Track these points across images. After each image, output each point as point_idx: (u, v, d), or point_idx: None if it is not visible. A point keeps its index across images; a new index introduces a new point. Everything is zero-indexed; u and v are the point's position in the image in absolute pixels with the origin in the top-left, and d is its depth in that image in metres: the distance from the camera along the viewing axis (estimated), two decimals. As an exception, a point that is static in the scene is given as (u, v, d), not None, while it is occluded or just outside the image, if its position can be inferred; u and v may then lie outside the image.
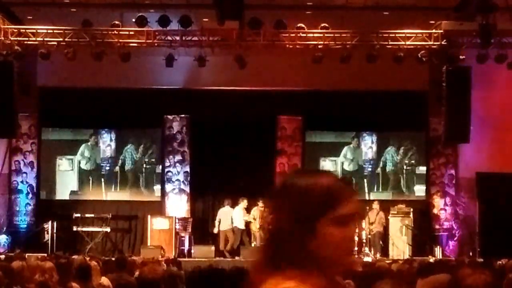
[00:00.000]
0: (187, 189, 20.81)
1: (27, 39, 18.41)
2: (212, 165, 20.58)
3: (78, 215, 20.12)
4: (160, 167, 21.12)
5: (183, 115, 21.02)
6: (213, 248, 18.86)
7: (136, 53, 18.57)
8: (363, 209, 19.43)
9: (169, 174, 20.91)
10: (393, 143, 21.29)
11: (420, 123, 20.73)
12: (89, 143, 21.24)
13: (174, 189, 20.82)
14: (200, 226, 20.57)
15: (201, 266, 17.44)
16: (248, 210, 19.69)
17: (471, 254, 18.83)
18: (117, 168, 21.20)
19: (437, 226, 20.45)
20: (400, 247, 19.39)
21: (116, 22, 18.24)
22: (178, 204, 20.64)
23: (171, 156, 20.98)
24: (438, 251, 19.22)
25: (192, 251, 19.04)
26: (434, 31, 18.31)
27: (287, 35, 18.31)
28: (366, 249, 18.82)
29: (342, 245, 1.99)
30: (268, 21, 17.86)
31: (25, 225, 20.50)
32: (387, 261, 13.33)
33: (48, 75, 20.31)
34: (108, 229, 20.13)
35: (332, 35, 18.27)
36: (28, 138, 20.79)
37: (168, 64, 18.66)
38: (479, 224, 19.95)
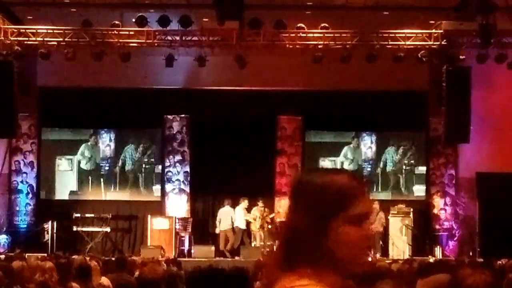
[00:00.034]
0: (187, 189, 20.82)
1: (27, 39, 18.41)
2: (212, 165, 20.58)
3: (78, 215, 20.13)
4: (159, 167, 21.14)
5: (183, 115, 21.02)
6: (213, 248, 18.87)
7: (136, 53, 18.57)
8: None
9: (169, 174, 20.92)
10: (393, 143, 21.30)
11: (420, 123, 20.73)
12: (89, 143, 21.25)
13: (174, 189, 20.83)
14: (200, 226, 20.58)
15: (201, 266, 17.43)
16: (248, 210, 19.72)
17: (471, 254, 18.82)
18: (117, 168, 21.21)
19: (437, 226, 20.45)
20: (400, 247, 19.40)
21: (116, 22, 18.24)
22: (178, 204, 20.65)
23: (171, 156, 20.99)
24: (438, 251, 19.22)
25: (192, 251, 19.05)
26: (434, 31, 18.31)
27: (287, 35, 18.31)
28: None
29: (357, 244, 1.98)
30: (268, 21, 17.86)
31: (25, 225, 20.51)
32: (387, 261, 13.32)
33: (48, 75, 20.31)
34: (108, 229, 20.13)
35: (332, 35, 18.27)
36: (28, 138, 20.79)
37: (168, 64, 18.66)
38: (479, 224, 19.95)
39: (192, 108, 20.79)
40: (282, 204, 20.59)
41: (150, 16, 17.90)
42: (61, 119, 20.94)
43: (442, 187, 20.73)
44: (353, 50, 18.31)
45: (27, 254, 14.45)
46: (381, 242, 19.31)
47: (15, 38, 18.38)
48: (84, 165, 21.19)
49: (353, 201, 1.99)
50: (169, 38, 18.31)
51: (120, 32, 18.28)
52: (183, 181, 20.87)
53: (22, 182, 20.72)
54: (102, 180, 21.12)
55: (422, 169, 21.04)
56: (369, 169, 21.16)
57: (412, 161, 21.16)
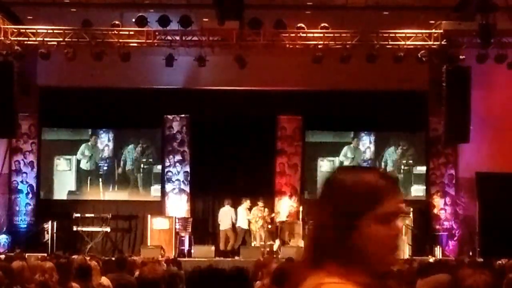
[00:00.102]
0: (187, 189, 20.83)
1: (27, 39, 18.41)
2: (212, 165, 20.59)
3: (78, 215, 20.14)
4: (158, 167, 21.16)
5: (183, 115, 21.03)
6: (213, 248, 18.87)
7: (136, 53, 18.57)
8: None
9: (169, 174, 20.93)
10: (393, 143, 21.30)
11: (420, 123, 20.74)
12: (89, 143, 21.26)
13: (174, 189, 20.83)
14: (200, 226, 20.59)
15: (201, 266, 17.55)
16: (250, 210, 19.75)
17: (471, 254, 18.82)
18: (115, 168, 21.22)
19: (437, 226, 20.46)
20: (400, 247, 19.37)
21: (116, 22, 18.24)
22: (178, 204, 20.65)
23: (171, 156, 20.99)
24: (438, 251, 19.22)
25: (192, 251, 19.04)
26: (434, 31, 18.31)
27: (287, 35, 18.31)
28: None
29: (385, 243, 1.98)
30: (268, 21, 17.87)
31: (25, 225, 20.52)
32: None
33: (48, 75, 20.32)
34: (108, 229, 20.14)
35: (332, 35, 18.27)
36: (28, 138, 20.80)
37: (168, 64, 18.66)
38: (479, 224, 19.95)
39: (192, 108, 20.80)
40: (281, 204, 20.62)
41: (150, 16, 17.89)
42: (61, 119, 20.96)
43: (442, 187, 20.74)
44: (353, 50, 18.31)
45: (27, 254, 14.44)
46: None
47: (15, 38, 18.38)
48: (84, 165, 21.20)
49: (382, 199, 1.98)
50: (169, 38, 18.31)
51: (120, 32, 18.28)
52: (183, 181, 20.88)
53: (22, 182, 20.73)
54: (100, 180, 21.12)
55: (420, 169, 21.05)
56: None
57: (411, 161, 21.16)
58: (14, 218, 20.52)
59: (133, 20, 17.93)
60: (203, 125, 20.82)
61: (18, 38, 18.40)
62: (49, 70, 20.01)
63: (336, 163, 21.18)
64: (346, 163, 21.13)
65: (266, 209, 19.78)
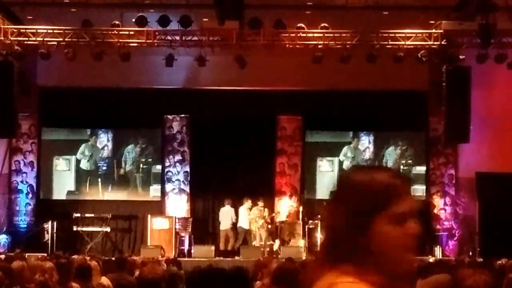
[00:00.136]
0: (187, 189, 20.83)
1: (27, 39, 18.41)
2: (212, 165, 20.59)
3: (78, 215, 20.14)
4: (157, 167, 21.18)
5: (183, 115, 21.03)
6: (213, 248, 18.86)
7: (136, 53, 18.57)
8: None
9: (169, 174, 20.93)
10: (393, 143, 21.31)
11: (420, 123, 20.74)
12: (89, 143, 21.27)
13: (174, 189, 20.84)
14: (200, 226, 20.59)
15: (201, 266, 17.55)
16: (250, 210, 19.77)
17: (471, 254, 18.83)
18: (114, 168, 21.23)
19: (437, 226, 20.45)
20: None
21: (116, 22, 18.24)
22: (178, 204, 20.66)
23: (171, 156, 21.00)
24: (438, 251, 19.22)
25: (192, 251, 19.04)
26: (434, 31, 18.30)
27: (287, 35, 18.31)
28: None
29: (399, 243, 1.97)
30: (268, 21, 17.86)
31: (25, 225, 20.52)
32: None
33: (48, 75, 20.32)
34: (108, 229, 20.15)
35: (332, 35, 18.27)
36: (28, 138, 20.80)
37: (168, 64, 18.66)
38: (479, 224, 19.95)
39: (192, 108, 20.81)
40: (281, 204, 20.63)
41: (150, 16, 17.89)
42: (61, 119, 20.96)
43: (442, 187, 20.74)
44: (353, 50, 18.30)
45: (27, 254, 14.44)
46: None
47: (15, 38, 18.38)
48: (84, 165, 21.21)
49: (395, 199, 1.97)
50: (169, 38, 18.31)
51: (120, 32, 18.28)
52: (183, 181, 20.88)
53: (22, 182, 20.73)
54: (99, 180, 21.13)
55: (420, 169, 21.04)
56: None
57: (410, 161, 21.17)
58: (14, 218, 20.52)
59: (133, 20, 17.93)
60: (203, 125, 20.82)
61: (18, 38, 18.40)
62: (49, 70, 20.01)
63: (336, 163, 21.19)
64: (346, 163, 21.15)
65: (266, 209, 19.79)
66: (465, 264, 11.08)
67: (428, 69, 19.94)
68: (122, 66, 18.91)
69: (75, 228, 19.98)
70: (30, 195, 20.72)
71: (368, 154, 21.28)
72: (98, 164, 21.23)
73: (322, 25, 18.21)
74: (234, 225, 19.98)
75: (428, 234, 19.98)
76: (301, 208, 20.06)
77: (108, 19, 18.18)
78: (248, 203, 19.73)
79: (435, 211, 20.59)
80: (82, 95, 20.41)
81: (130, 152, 21.29)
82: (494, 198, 19.58)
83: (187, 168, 20.92)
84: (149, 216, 19.82)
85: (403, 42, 18.30)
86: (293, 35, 18.28)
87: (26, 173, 20.75)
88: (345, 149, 21.27)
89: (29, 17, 18.74)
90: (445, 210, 20.59)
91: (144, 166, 21.30)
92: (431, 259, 15.86)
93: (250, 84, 20.04)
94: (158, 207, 20.70)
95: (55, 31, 18.29)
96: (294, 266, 7.00)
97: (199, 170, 20.84)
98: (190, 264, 17.26)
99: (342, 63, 18.47)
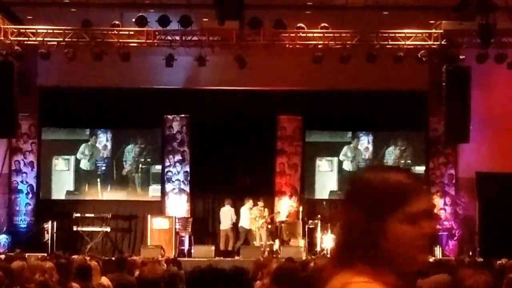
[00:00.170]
0: (187, 189, 20.83)
1: (27, 39, 18.41)
2: (212, 165, 20.60)
3: (78, 215, 20.14)
4: (156, 167, 21.19)
5: (183, 115, 21.03)
6: (213, 248, 18.87)
7: (136, 53, 18.57)
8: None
9: (169, 174, 20.93)
10: (393, 143, 21.32)
11: (420, 123, 20.75)
12: (89, 143, 21.27)
13: (174, 189, 20.84)
14: (200, 226, 20.60)
15: (201, 266, 17.54)
16: (251, 210, 19.78)
17: (471, 254, 18.82)
18: (114, 168, 21.23)
19: (437, 226, 20.42)
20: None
21: (116, 22, 18.24)
22: (178, 204, 20.66)
23: (171, 156, 21.00)
24: (438, 251, 19.21)
25: (192, 251, 19.04)
26: (434, 31, 18.30)
27: (287, 35, 18.31)
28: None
29: (412, 243, 1.97)
30: (268, 21, 17.86)
31: (25, 225, 20.52)
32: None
33: (48, 75, 20.32)
34: (108, 229, 20.15)
35: (332, 35, 18.27)
36: (28, 138, 20.81)
37: (168, 64, 18.66)
38: (479, 224, 19.95)
39: (192, 108, 20.81)
40: (281, 204, 20.63)
41: (150, 16, 17.89)
42: (61, 119, 20.97)
43: (441, 187, 20.73)
44: (353, 50, 18.30)
45: (27, 254, 14.43)
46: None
47: (15, 38, 18.38)
48: (84, 165, 21.22)
49: (410, 199, 1.97)
50: (169, 38, 18.30)
51: (120, 32, 18.27)
52: (183, 181, 20.88)
53: (22, 182, 20.73)
54: (99, 180, 21.14)
55: (419, 169, 21.03)
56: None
57: (409, 161, 21.17)
58: (14, 218, 20.52)
59: (133, 20, 17.93)
60: (203, 125, 20.82)
61: (18, 38, 18.40)
62: (49, 70, 20.01)
63: (335, 163, 21.20)
64: (346, 163, 21.17)
65: (266, 209, 19.79)
66: (465, 264, 11.08)
67: (428, 69, 19.94)
68: (122, 66, 18.91)
69: (75, 228, 19.99)
70: (30, 195, 20.72)
71: (367, 154, 21.29)
72: (98, 164, 21.24)
73: (322, 25, 18.21)
74: (234, 225, 19.99)
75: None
76: (301, 208, 20.06)
77: (108, 19, 18.18)
78: (249, 203, 19.75)
79: (435, 211, 20.56)
80: (82, 95, 20.41)
81: (130, 152, 21.30)
82: (494, 198, 19.57)
83: (187, 168, 20.92)
84: (149, 216, 19.82)
85: (403, 42, 18.30)
86: (293, 35, 18.28)
87: (26, 173, 20.75)
88: (345, 149, 21.28)
89: (29, 17, 18.74)
90: (445, 210, 20.59)
91: (143, 166, 21.31)
92: (431, 259, 15.85)
93: (250, 84, 20.04)
94: (158, 207, 20.70)
95: (55, 31, 18.29)
96: (294, 266, 7.01)
97: (199, 170, 20.84)
98: (190, 264, 17.25)
99: (342, 63, 18.47)
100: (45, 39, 18.33)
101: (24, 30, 18.47)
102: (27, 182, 20.74)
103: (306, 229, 19.30)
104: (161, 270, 9.19)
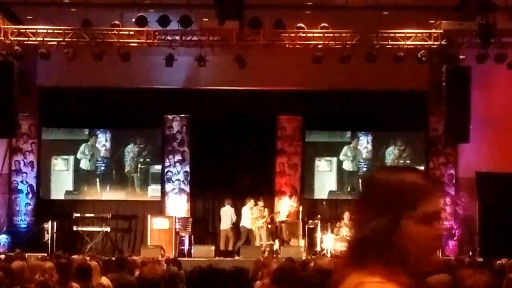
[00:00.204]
0: (187, 188, 20.83)
1: (27, 39, 18.40)
2: (212, 165, 20.59)
3: (78, 214, 20.14)
4: (155, 167, 21.20)
5: (183, 115, 21.03)
6: (213, 248, 18.87)
7: (136, 53, 18.57)
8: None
9: (169, 174, 20.93)
10: (393, 143, 21.32)
11: (420, 123, 20.75)
12: (89, 143, 21.28)
13: (174, 188, 20.84)
14: (200, 226, 20.60)
15: (201, 266, 17.48)
16: (251, 209, 19.80)
17: (471, 254, 18.82)
18: (113, 168, 21.24)
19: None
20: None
21: (116, 22, 18.24)
22: (178, 204, 20.66)
23: (171, 156, 21.00)
24: (438, 251, 19.19)
25: (192, 251, 19.04)
26: (434, 31, 18.30)
27: (287, 35, 18.31)
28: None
29: (426, 243, 1.98)
30: (268, 21, 17.86)
31: (25, 225, 20.52)
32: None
33: (48, 75, 20.32)
34: (108, 229, 20.14)
35: (332, 35, 18.27)
36: (28, 138, 20.81)
37: (168, 64, 18.66)
38: (479, 224, 19.95)
39: (192, 108, 20.81)
40: (281, 204, 20.63)
41: (150, 16, 17.89)
42: (61, 119, 20.98)
43: (441, 187, 20.74)
44: (353, 50, 18.30)
45: (27, 254, 14.43)
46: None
47: (15, 38, 18.37)
48: (84, 165, 21.22)
49: (424, 199, 1.99)
50: (169, 38, 18.30)
51: (120, 32, 18.27)
52: (183, 181, 20.88)
53: (22, 182, 20.73)
54: (98, 180, 21.14)
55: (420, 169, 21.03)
56: (364, 169, 21.21)
57: (408, 161, 21.17)
58: (14, 218, 20.52)
59: (133, 20, 17.93)
60: (203, 125, 20.82)
61: (18, 38, 18.40)
62: (49, 70, 20.01)
63: (333, 163, 21.20)
64: (347, 162, 21.18)
65: (266, 209, 19.79)
66: (465, 264, 11.08)
67: (428, 69, 19.94)
68: (122, 66, 18.91)
69: (75, 228, 19.98)
70: (30, 195, 20.72)
71: (366, 154, 21.29)
72: (97, 164, 21.24)
73: (322, 25, 18.21)
74: (234, 225, 19.99)
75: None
76: (301, 208, 20.06)
77: (108, 19, 18.18)
78: (251, 203, 19.77)
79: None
80: (82, 95, 20.41)
81: (130, 152, 21.30)
82: (494, 198, 19.57)
83: (187, 168, 20.92)
84: (149, 216, 19.82)
85: (403, 42, 18.30)
86: (293, 35, 18.28)
87: (26, 173, 20.75)
88: (345, 148, 21.29)
89: (29, 17, 18.73)
90: (445, 210, 20.58)
91: (143, 166, 21.30)
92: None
93: (250, 84, 20.04)
94: (158, 207, 20.70)
95: (55, 31, 18.29)
96: (294, 266, 7.01)
97: (199, 170, 20.84)
98: (190, 264, 17.19)
99: (342, 63, 18.47)
100: (45, 39, 18.33)
101: (24, 30, 18.47)
102: (27, 182, 20.74)
103: (306, 229, 19.30)
104: (161, 270, 9.19)
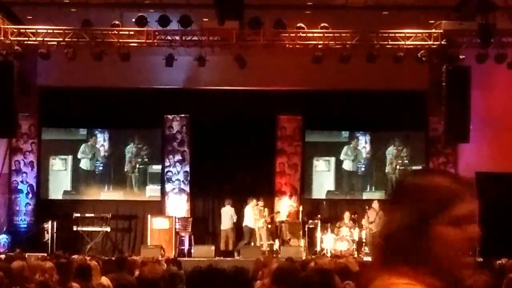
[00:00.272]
0: (187, 188, 20.84)
1: (27, 39, 18.40)
2: (212, 165, 20.60)
3: (78, 214, 20.14)
4: (153, 167, 21.20)
5: (183, 115, 21.04)
6: (213, 248, 18.87)
7: (136, 53, 18.57)
8: (362, 209, 19.50)
9: (169, 174, 20.94)
10: (393, 143, 21.32)
11: (420, 123, 20.76)
12: (89, 143, 21.28)
13: (174, 188, 20.85)
14: (200, 226, 20.60)
15: (201, 266, 17.55)
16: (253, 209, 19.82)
17: (471, 253, 18.78)
18: (111, 168, 21.24)
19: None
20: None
21: (116, 22, 18.23)
22: (178, 204, 20.67)
23: (171, 156, 21.01)
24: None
25: (192, 251, 19.05)
26: (434, 31, 18.30)
27: (287, 35, 18.30)
28: (366, 249, 18.80)
29: (457, 246, 1.99)
30: (268, 21, 17.86)
31: (25, 225, 20.53)
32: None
33: (48, 75, 20.33)
34: (108, 229, 20.15)
35: (332, 35, 18.26)
36: (28, 138, 20.81)
37: (168, 64, 18.66)
38: (479, 224, 19.89)
39: (192, 108, 20.82)
40: (281, 204, 20.64)
41: (150, 16, 17.89)
42: (61, 119, 20.98)
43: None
44: (353, 50, 18.30)
45: (27, 254, 14.45)
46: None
47: (15, 38, 18.37)
48: (84, 164, 21.22)
49: (455, 202, 1.98)
50: (169, 38, 18.30)
51: (120, 32, 18.27)
52: (183, 181, 20.89)
53: (22, 182, 20.74)
54: (96, 180, 21.14)
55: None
56: (362, 168, 21.22)
57: (406, 161, 21.17)
58: (14, 218, 20.53)
59: (133, 20, 17.93)
60: (203, 125, 20.83)
61: (18, 38, 18.40)
62: (49, 70, 20.02)
63: (332, 163, 21.20)
64: (347, 162, 21.18)
65: (266, 209, 19.80)
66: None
67: (428, 69, 19.95)
68: (122, 66, 18.91)
69: (75, 228, 19.98)
70: (30, 195, 20.73)
71: (365, 154, 21.30)
72: (96, 164, 21.25)
73: (322, 25, 18.20)
74: (235, 225, 19.99)
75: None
76: (301, 208, 20.07)
77: (108, 19, 18.17)
78: (253, 202, 19.77)
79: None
80: (82, 95, 20.42)
81: (129, 152, 21.31)
82: (494, 198, 19.52)
83: (187, 168, 20.93)
84: (149, 216, 19.83)
85: (403, 42, 18.29)
86: (293, 35, 18.27)
87: (26, 173, 20.76)
88: (345, 148, 21.29)
89: (29, 17, 18.73)
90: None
91: (141, 166, 21.30)
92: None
93: (250, 84, 20.04)
94: (158, 207, 20.70)
95: (55, 31, 18.29)
96: (294, 266, 7.01)
97: (199, 170, 20.85)
98: (190, 264, 17.25)
99: (342, 63, 18.47)
100: (45, 39, 18.32)
101: (24, 30, 18.47)
102: (27, 182, 20.75)
103: (306, 229, 19.30)
104: (161, 270, 9.20)
